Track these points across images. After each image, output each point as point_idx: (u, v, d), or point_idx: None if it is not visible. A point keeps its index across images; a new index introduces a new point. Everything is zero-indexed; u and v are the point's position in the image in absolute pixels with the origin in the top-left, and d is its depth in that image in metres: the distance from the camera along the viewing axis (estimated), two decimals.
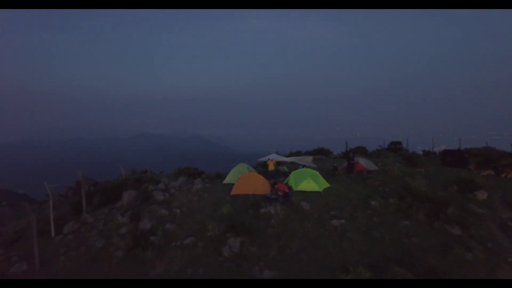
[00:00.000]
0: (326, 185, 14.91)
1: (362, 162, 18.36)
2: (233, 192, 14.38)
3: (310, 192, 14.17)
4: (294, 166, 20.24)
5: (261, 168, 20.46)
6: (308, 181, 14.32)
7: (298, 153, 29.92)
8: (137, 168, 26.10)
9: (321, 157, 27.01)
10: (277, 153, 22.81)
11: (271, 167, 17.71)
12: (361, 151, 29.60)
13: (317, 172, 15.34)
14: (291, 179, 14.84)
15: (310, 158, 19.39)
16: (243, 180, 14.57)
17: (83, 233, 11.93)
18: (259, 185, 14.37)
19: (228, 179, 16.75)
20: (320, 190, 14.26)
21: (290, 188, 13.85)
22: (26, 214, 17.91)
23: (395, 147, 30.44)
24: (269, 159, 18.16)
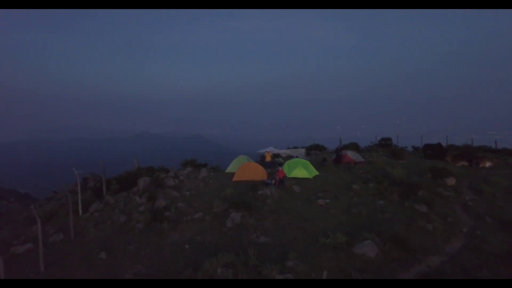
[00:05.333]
0: (316, 173, 17.04)
1: (350, 154, 20.49)
2: (234, 178, 16.58)
3: (302, 178, 16.31)
4: (290, 158, 22.38)
5: (259, 160, 22.61)
6: (300, 169, 16.44)
7: (294, 148, 32.05)
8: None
9: (315, 152, 29.12)
10: (274, 147, 24.94)
11: (268, 158, 19.86)
12: (353, 147, 31.67)
13: (308, 162, 17.48)
14: (285, 167, 16.95)
15: (303, 150, 21.51)
16: (244, 168, 16.76)
17: (107, 211, 14.01)
18: (257, 172, 16.55)
19: (230, 169, 18.94)
20: (310, 177, 16.39)
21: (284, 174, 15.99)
22: (52, 199, 19.98)
23: (385, 143, 32.55)
24: (266, 151, 20.30)
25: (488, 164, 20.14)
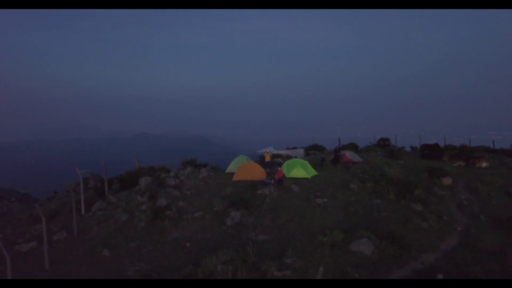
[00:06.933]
0: (314, 172, 17.33)
1: (348, 154, 20.77)
2: (234, 178, 16.89)
3: (300, 178, 16.60)
4: (289, 158, 22.67)
5: (259, 160, 22.92)
6: (298, 169, 16.74)
7: (294, 148, 32.32)
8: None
9: (314, 152, 29.41)
10: (274, 148, 25.26)
11: (267, 158, 20.20)
12: (352, 146, 31.91)
13: (306, 162, 17.78)
14: (284, 167, 17.26)
15: (301, 150, 21.81)
16: (243, 168, 17.07)
17: (110, 210, 14.27)
18: (256, 172, 16.85)
19: (229, 169, 19.25)
20: (309, 176, 16.68)
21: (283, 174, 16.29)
22: (53, 199, 20.26)
23: (383, 143, 32.79)
24: (265, 151, 20.64)
25: (484, 164, 20.39)
